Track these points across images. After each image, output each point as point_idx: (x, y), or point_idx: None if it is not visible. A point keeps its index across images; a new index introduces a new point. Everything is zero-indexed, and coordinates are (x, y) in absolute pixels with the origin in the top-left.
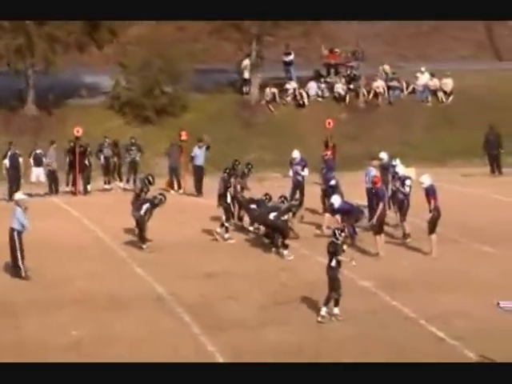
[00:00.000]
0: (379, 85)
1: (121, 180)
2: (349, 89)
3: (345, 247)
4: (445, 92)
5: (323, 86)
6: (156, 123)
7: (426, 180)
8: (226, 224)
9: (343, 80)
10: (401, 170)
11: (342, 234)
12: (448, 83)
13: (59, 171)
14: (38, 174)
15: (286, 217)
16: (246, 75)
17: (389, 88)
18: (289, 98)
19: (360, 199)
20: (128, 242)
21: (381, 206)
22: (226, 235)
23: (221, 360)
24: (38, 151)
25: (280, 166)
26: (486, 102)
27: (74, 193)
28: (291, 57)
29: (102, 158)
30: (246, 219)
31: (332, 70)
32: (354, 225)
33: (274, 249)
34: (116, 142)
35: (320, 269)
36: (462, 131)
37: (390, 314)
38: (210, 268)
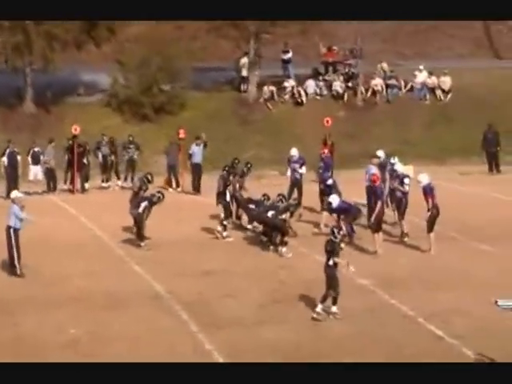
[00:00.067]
0: (377, 83)
1: (118, 178)
2: (347, 87)
3: (342, 245)
4: (443, 90)
5: (321, 84)
6: (154, 121)
7: (424, 179)
8: (225, 222)
9: (341, 78)
10: (399, 168)
11: (341, 233)
12: (446, 81)
13: (57, 169)
14: (35, 172)
15: (283, 216)
16: (244, 73)
17: (387, 86)
18: (287, 96)
19: (358, 197)
20: (126, 240)
21: (379, 204)
22: (225, 233)
23: (218, 358)
24: (36, 149)
25: (278, 164)
26: (484, 100)
27: (71, 191)
28: (289, 55)
29: (99, 156)
30: (245, 218)
31: (330, 68)
32: (353, 223)
33: (271, 247)
34: (112, 140)
35: (318, 267)
36: (461, 129)
37: (388, 312)
38: (208, 266)
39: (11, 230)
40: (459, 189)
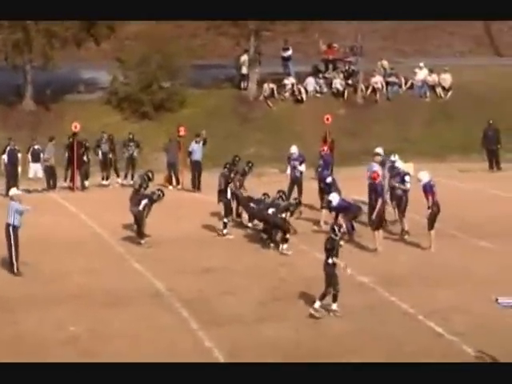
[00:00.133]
0: (377, 80)
1: (118, 176)
2: (347, 84)
3: (342, 243)
4: (443, 87)
5: (321, 81)
6: (154, 119)
7: (424, 177)
8: (225, 220)
9: (341, 75)
10: (400, 165)
11: (341, 230)
12: (446, 79)
13: (57, 167)
14: (35, 169)
15: (283, 215)
16: (244, 71)
17: (387, 83)
18: (287, 94)
19: (358, 194)
20: (126, 237)
21: (380, 201)
22: (225, 230)
23: (218, 355)
24: (36, 147)
25: (278, 162)
26: (484, 97)
27: (71, 188)
28: (289, 52)
29: (99, 153)
30: (245, 216)
31: (330, 66)
32: (353, 221)
33: (272, 244)
34: (111, 138)
35: (318, 264)
36: (461, 127)
37: (388, 310)
38: (208, 263)
39: (10, 228)
40: (459, 186)
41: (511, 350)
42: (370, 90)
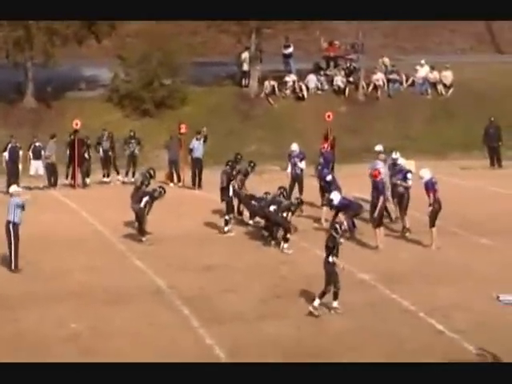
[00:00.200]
0: (379, 77)
1: (118, 173)
2: (348, 81)
3: (342, 240)
4: (444, 85)
5: (322, 78)
6: (155, 116)
7: (426, 174)
8: (226, 217)
9: (342, 73)
10: (402, 163)
11: (342, 227)
12: (448, 76)
13: (59, 164)
14: (36, 166)
15: (284, 214)
16: (245, 68)
17: (388, 81)
18: (288, 91)
19: (359, 192)
20: (127, 234)
21: (381, 199)
22: (226, 228)
23: (219, 353)
24: (37, 144)
25: (279, 159)
26: (485, 94)
27: (72, 186)
28: (290, 49)
29: (100, 150)
30: (246, 213)
31: (331, 63)
32: (354, 218)
33: (273, 242)
34: (111, 135)
35: (319, 262)
36: (462, 124)
37: (389, 307)
38: (209, 261)
39: (10, 225)
40: (460, 183)
41: None
42: (371, 88)
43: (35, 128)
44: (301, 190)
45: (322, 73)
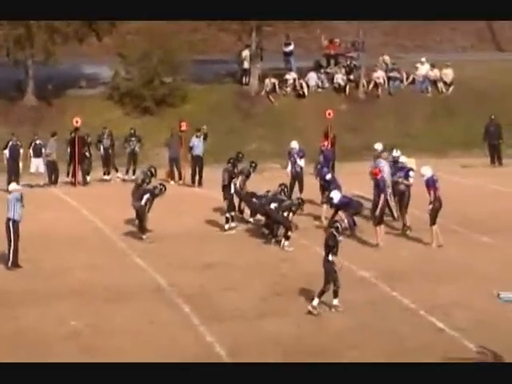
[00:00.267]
0: (379, 75)
1: (117, 171)
2: (349, 79)
3: (341, 238)
4: (445, 83)
5: (323, 76)
6: (155, 114)
7: (427, 172)
8: (227, 215)
9: (343, 71)
10: (404, 161)
11: (343, 225)
12: (448, 74)
13: (59, 162)
14: (37, 164)
15: (285, 214)
16: (246, 66)
17: (389, 79)
18: (289, 89)
19: (359, 190)
20: (128, 232)
21: (382, 197)
22: (227, 226)
23: (220, 350)
24: (38, 142)
25: (280, 157)
26: (486, 92)
27: (73, 183)
28: (291, 47)
29: (101, 148)
30: (247, 211)
31: (332, 61)
32: (354, 216)
33: (273, 240)
34: (111, 133)
35: (320, 259)
36: (462, 122)
37: (389, 305)
38: (209, 259)
39: (10, 223)
40: (461, 181)
41: None
42: (371, 85)
43: (36, 126)
44: (301, 189)
45: (322, 71)
